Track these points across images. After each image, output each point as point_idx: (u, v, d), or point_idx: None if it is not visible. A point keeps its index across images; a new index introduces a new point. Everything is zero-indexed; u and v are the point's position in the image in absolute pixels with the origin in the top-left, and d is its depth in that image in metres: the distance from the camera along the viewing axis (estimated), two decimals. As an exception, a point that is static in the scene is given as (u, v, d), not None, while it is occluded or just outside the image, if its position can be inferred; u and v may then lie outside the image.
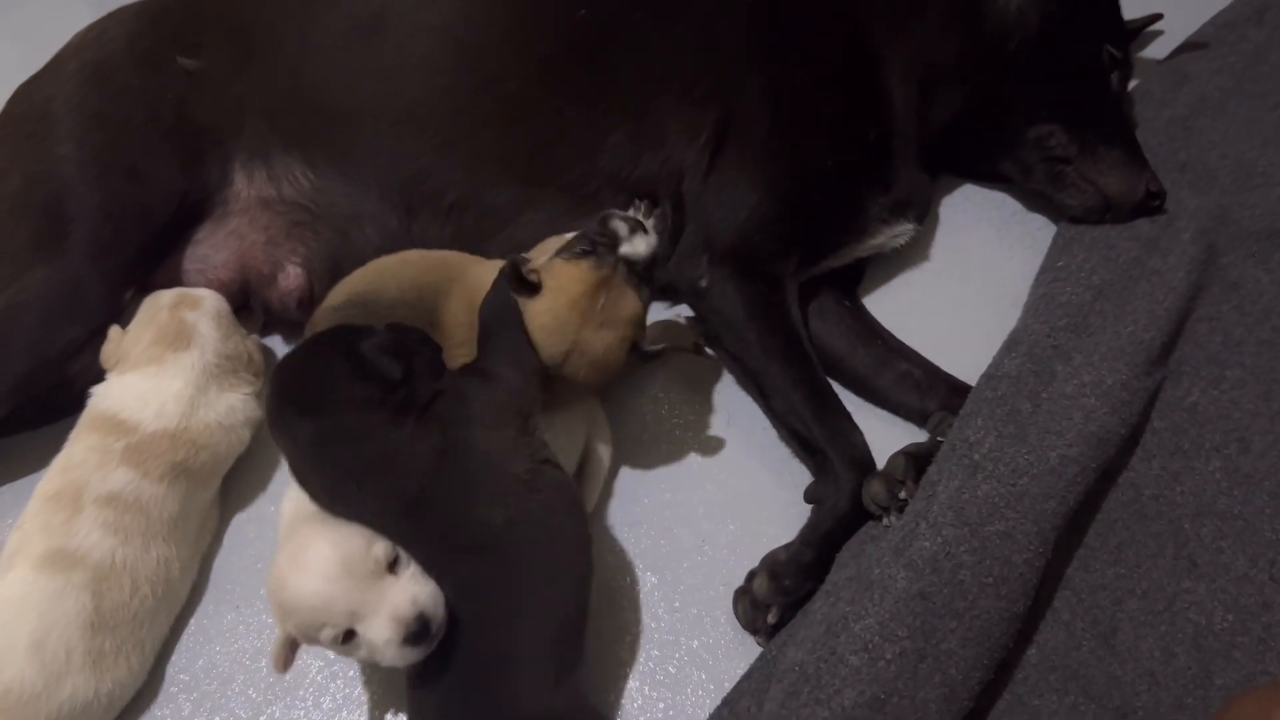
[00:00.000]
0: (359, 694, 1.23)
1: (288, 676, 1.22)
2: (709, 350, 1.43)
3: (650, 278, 1.21)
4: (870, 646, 1.06)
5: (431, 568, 1.05)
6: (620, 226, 1.18)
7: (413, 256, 1.34)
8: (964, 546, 1.12)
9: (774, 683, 1.09)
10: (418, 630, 0.98)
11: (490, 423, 1.09)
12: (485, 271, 1.26)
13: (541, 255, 1.24)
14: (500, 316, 1.16)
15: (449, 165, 1.39)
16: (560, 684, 1.04)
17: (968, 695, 1.09)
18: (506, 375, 1.12)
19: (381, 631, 0.98)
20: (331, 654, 1.23)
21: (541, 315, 1.16)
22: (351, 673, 1.24)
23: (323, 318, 1.28)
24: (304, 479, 1.09)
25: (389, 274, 1.29)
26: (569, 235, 1.26)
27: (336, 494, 1.07)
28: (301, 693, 1.23)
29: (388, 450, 1.06)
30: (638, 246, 1.18)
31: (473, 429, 1.08)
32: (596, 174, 1.39)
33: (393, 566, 1.01)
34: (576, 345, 1.16)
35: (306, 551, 1.01)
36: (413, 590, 1.00)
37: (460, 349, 1.21)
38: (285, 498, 1.13)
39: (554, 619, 1.05)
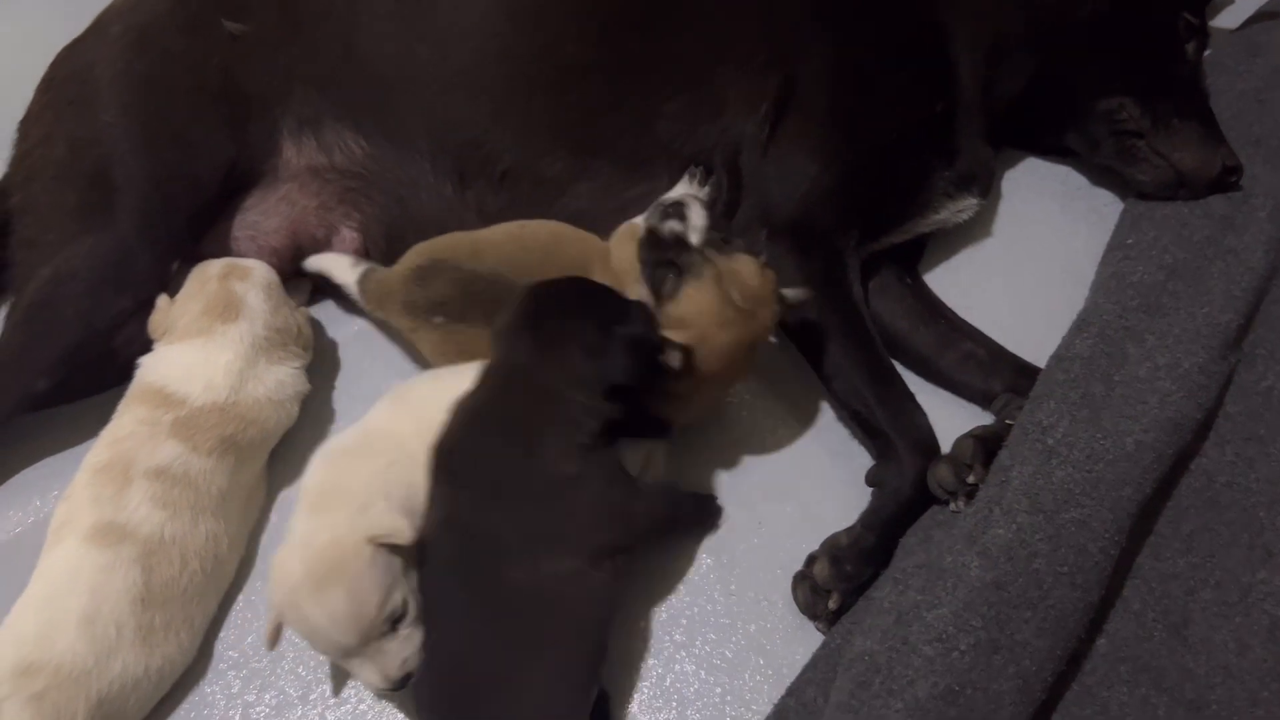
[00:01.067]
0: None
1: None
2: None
3: (720, 225, 1.16)
4: (944, 637, 1.03)
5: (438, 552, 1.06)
6: (672, 226, 1.13)
7: (531, 242, 1.28)
8: (1039, 534, 1.08)
9: (841, 672, 1.06)
10: (398, 685, 1.06)
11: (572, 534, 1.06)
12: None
13: (619, 247, 1.21)
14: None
15: (502, 133, 1.36)
16: None
17: (1041, 688, 1.06)
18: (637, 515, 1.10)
19: (369, 677, 1.06)
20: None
21: (715, 359, 1.12)
22: (403, 651, 1.22)
23: (400, 279, 1.26)
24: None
25: (494, 253, 1.26)
26: (638, 220, 1.23)
27: (457, 418, 1.08)
28: (351, 671, 1.21)
29: (519, 424, 1.06)
30: (695, 221, 1.14)
31: (554, 507, 1.06)
32: (652, 144, 1.35)
33: (396, 623, 1.06)
34: (754, 335, 1.15)
35: (327, 591, 1.02)
36: (405, 653, 1.06)
37: None
38: (319, 457, 1.12)
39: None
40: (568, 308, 1.11)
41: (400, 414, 1.17)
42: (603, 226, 1.34)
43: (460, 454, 1.08)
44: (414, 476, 1.10)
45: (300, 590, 1.03)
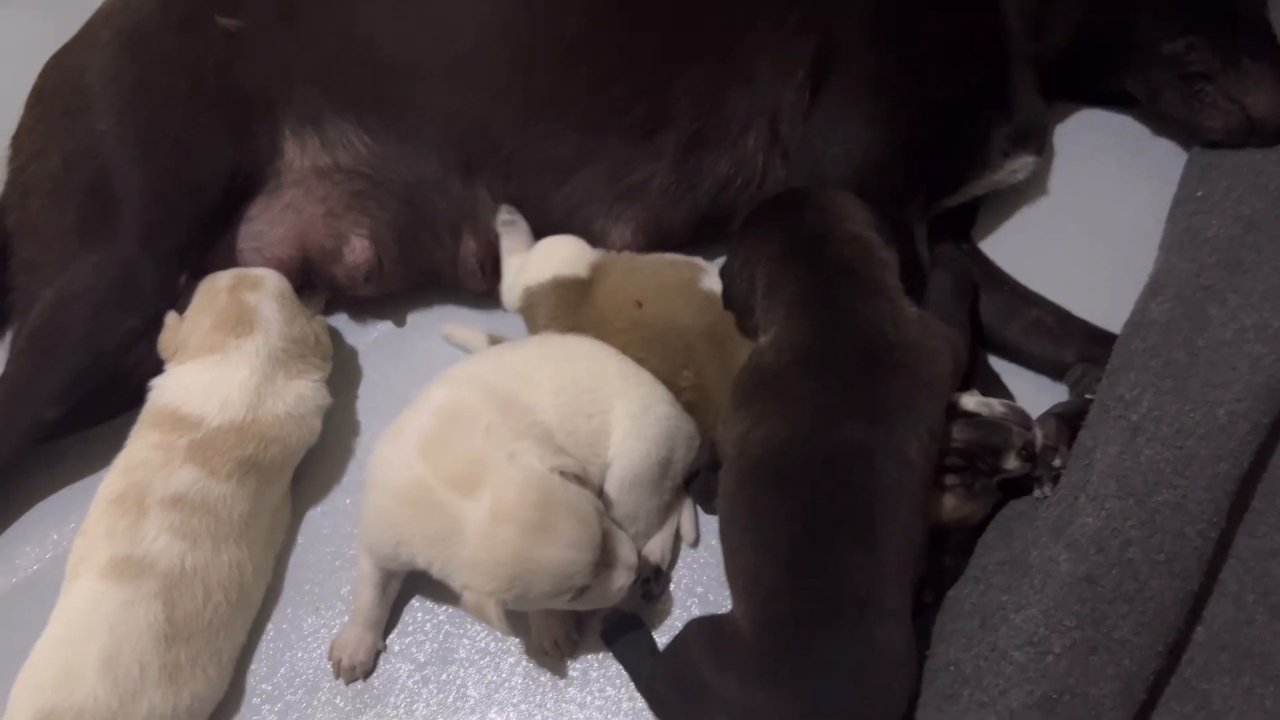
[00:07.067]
0: (453, 700, 1.14)
1: (376, 683, 1.15)
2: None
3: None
4: (1036, 639, 0.95)
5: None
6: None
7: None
8: (1130, 520, 1.00)
9: (924, 685, 0.99)
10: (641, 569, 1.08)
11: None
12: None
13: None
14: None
15: (506, 116, 1.30)
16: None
17: (1142, 687, 0.97)
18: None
19: (617, 579, 1.04)
20: (421, 658, 1.17)
21: None
22: (445, 676, 1.16)
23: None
24: None
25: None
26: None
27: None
28: (393, 699, 1.15)
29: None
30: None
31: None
32: (665, 116, 1.28)
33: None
34: None
35: (553, 525, 1.00)
36: (627, 539, 1.07)
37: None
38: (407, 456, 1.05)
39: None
40: None
41: (459, 388, 1.12)
42: (604, 216, 1.30)
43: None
44: (515, 427, 1.07)
45: (525, 546, 0.99)
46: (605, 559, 1.03)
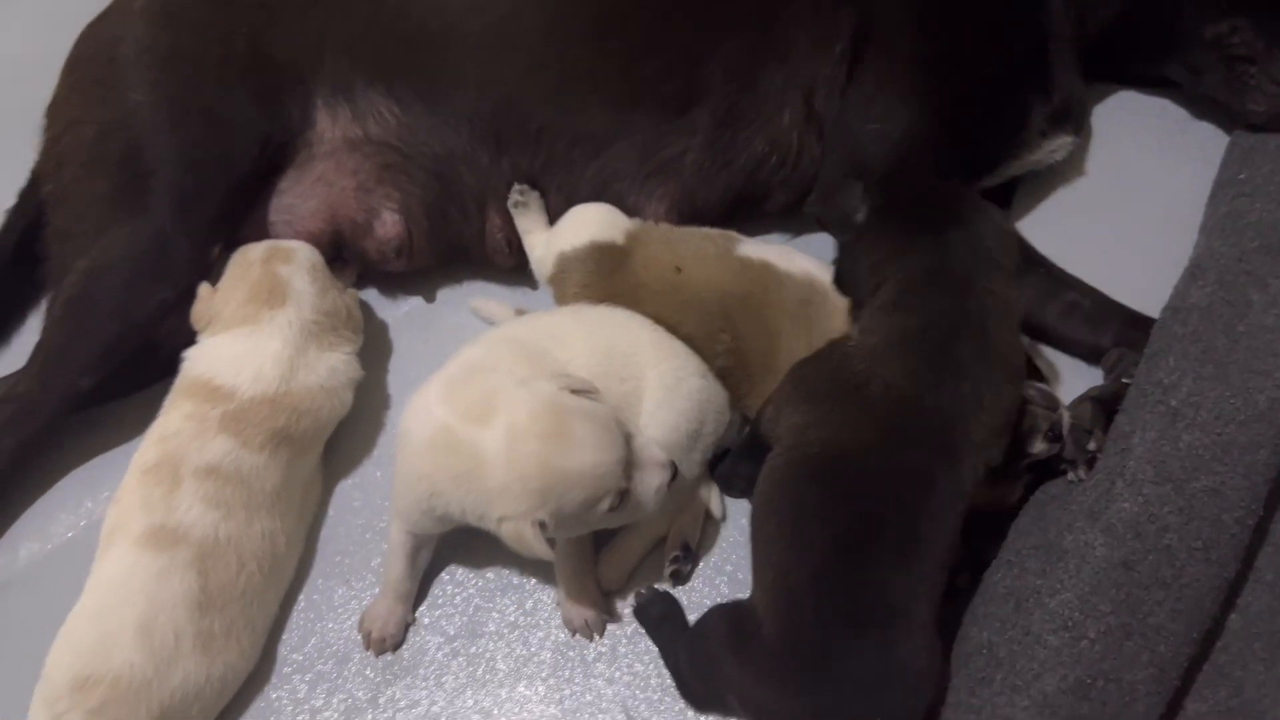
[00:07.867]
0: (482, 673, 1.15)
1: (406, 655, 1.16)
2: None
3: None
4: (1070, 624, 0.94)
5: None
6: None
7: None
8: (1168, 506, 0.99)
9: (957, 668, 0.98)
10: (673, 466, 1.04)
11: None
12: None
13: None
14: None
15: (538, 89, 1.30)
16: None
17: (1177, 674, 0.97)
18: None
19: (652, 479, 1.02)
20: (451, 631, 1.17)
21: None
22: (474, 649, 1.16)
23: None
24: None
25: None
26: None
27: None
28: (422, 671, 1.15)
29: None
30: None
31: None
32: (699, 89, 1.27)
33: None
34: None
35: (568, 431, 0.98)
36: (647, 439, 1.06)
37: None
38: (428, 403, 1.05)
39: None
40: None
41: (489, 350, 1.12)
42: (636, 192, 1.30)
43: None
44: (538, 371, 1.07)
45: (548, 457, 0.97)
46: (633, 460, 1.01)
